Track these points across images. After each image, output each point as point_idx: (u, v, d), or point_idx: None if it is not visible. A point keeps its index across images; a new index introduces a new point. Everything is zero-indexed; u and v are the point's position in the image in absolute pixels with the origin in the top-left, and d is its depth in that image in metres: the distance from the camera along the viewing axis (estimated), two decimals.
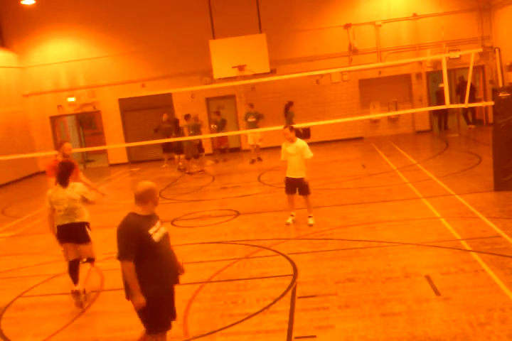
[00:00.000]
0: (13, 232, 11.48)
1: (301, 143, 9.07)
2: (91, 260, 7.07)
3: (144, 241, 4.34)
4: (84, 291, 6.78)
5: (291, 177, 9.16)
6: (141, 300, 4.40)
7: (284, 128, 9.14)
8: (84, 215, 6.95)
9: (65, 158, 8.30)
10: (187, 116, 16.95)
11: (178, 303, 6.41)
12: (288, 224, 9.36)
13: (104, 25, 20.53)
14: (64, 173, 6.82)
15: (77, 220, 6.84)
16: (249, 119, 17.15)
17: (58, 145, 8.77)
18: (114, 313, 6.37)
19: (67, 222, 6.81)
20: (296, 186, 9.16)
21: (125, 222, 4.39)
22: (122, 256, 4.32)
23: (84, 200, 6.89)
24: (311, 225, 9.09)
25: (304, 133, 17.76)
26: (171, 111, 20.48)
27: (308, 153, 9.04)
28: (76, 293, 6.57)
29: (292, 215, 9.50)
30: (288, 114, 17.70)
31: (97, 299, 6.93)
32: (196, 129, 16.71)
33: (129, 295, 4.53)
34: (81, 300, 6.62)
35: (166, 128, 17.76)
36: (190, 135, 16.48)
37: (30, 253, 9.58)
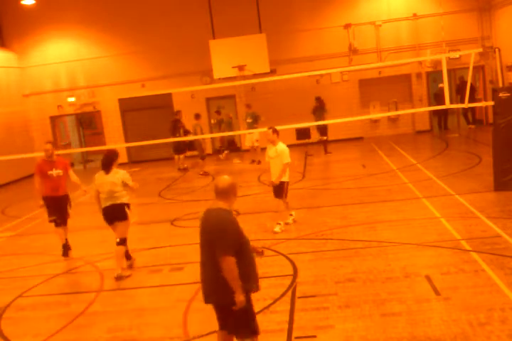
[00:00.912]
0: (13, 232, 11.47)
1: (281, 146, 8.91)
2: (123, 241, 7.70)
3: (241, 236, 4.35)
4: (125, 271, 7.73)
5: (273, 180, 9.11)
6: (242, 297, 4.25)
7: (268, 129, 9.01)
8: (124, 197, 7.76)
9: (50, 159, 8.94)
10: (197, 116, 16.76)
11: (178, 303, 6.45)
12: (288, 223, 9.34)
13: (104, 25, 20.53)
14: (107, 161, 7.71)
15: (118, 202, 7.66)
16: (247, 120, 17.11)
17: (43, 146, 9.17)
18: (114, 313, 6.38)
19: (109, 203, 7.63)
20: (277, 190, 9.06)
21: (226, 218, 4.32)
22: (226, 251, 4.18)
23: (125, 185, 7.74)
24: (276, 233, 8.92)
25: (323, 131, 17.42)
26: (171, 111, 20.47)
27: (286, 158, 8.85)
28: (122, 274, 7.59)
29: (291, 215, 9.49)
30: (318, 110, 17.26)
31: (97, 299, 6.93)
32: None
33: (219, 295, 4.34)
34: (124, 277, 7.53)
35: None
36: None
37: (30, 253, 9.57)
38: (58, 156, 9.27)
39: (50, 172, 8.91)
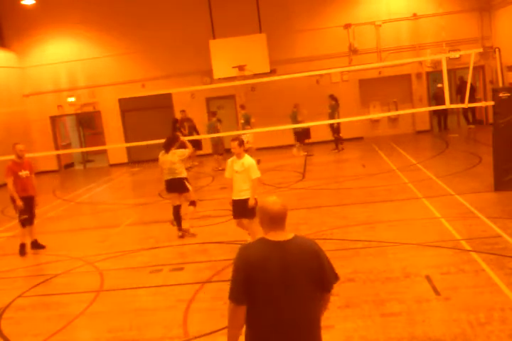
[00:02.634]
0: (13, 232, 11.46)
1: (248, 160, 7.82)
2: (193, 203, 9.56)
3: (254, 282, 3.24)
4: (188, 230, 9.40)
5: (236, 198, 7.87)
6: None
7: (232, 141, 7.85)
8: (183, 173, 9.39)
9: (20, 160, 9.19)
10: (213, 113, 17.09)
11: (178, 303, 6.44)
12: None
13: (104, 25, 20.52)
14: (167, 143, 9.40)
15: (177, 176, 9.30)
16: (241, 121, 17.04)
17: (12, 147, 9.32)
18: (114, 313, 6.37)
19: (169, 177, 9.31)
20: (242, 208, 7.77)
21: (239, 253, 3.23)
22: (229, 294, 3.35)
23: (183, 161, 9.45)
24: None
25: (305, 134, 17.62)
26: (171, 111, 20.49)
27: (256, 172, 7.75)
28: (184, 231, 9.38)
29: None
30: (333, 107, 17.39)
31: (97, 299, 6.93)
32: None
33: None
34: (188, 233, 9.29)
35: (189, 126, 17.68)
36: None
37: (30, 253, 9.57)
38: (26, 158, 9.51)
39: (20, 173, 9.15)
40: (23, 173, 9.17)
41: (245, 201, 7.72)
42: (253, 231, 7.77)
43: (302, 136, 17.53)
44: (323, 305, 3.27)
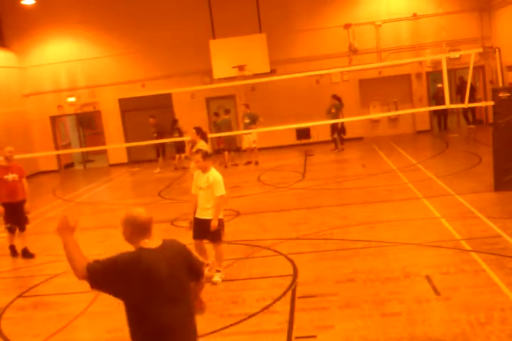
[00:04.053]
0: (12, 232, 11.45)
1: (214, 175, 6.93)
2: None
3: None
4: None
5: (199, 217, 7.01)
6: None
7: (195, 153, 7.15)
8: None
9: (8, 162, 8.72)
10: (227, 111, 17.84)
11: None
12: (215, 283, 6.94)
13: (104, 25, 20.52)
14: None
15: None
16: (244, 121, 17.02)
17: (0, 149, 8.92)
18: (114, 313, 6.36)
19: None
20: (203, 229, 6.93)
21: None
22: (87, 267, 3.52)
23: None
24: (214, 283, 6.88)
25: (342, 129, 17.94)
26: (171, 111, 20.49)
27: (220, 190, 6.87)
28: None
29: (219, 271, 7.13)
30: (337, 107, 17.46)
31: (97, 299, 6.93)
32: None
33: None
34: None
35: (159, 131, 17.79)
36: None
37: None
38: (15, 161, 9.02)
39: (6, 177, 8.69)
40: (10, 177, 8.68)
41: (208, 221, 6.89)
42: (219, 257, 7.11)
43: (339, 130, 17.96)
44: (198, 291, 3.74)
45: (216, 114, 18.71)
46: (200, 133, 10.10)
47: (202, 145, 9.72)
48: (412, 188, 11.05)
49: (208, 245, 7.29)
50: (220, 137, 17.67)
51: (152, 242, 3.36)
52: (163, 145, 17.95)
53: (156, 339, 3.28)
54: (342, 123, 17.45)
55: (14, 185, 8.74)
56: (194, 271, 3.56)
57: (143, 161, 20.81)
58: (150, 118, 18.25)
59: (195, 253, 3.72)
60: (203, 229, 6.94)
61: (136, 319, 3.29)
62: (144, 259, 3.27)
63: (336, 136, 17.92)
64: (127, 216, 3.39)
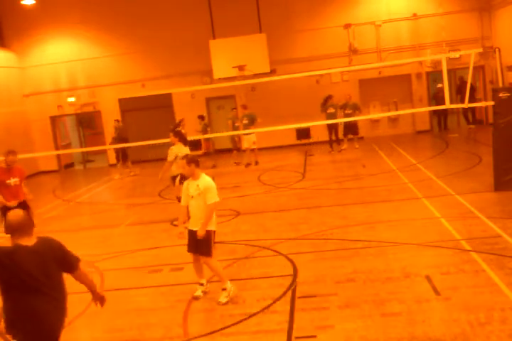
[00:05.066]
0: None
1: (204, 181, 6.34)
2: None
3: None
4: None
5: (192, 229, 6.41)
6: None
7: (182, 159, 6.77)
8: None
9: (8, 166, 8.64)
10: (239, 107, 18.07)
11: (178, 303, 6.44)
12: (196, 298, 6.49)
13: (104, 25, 20.52)
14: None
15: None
16: (243, 121, 16.95)
17: (3, 154, 8.81)
18: (114, 313, 6.37)
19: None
20: (195, 241, 6.38)
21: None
22: None
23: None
24: (220, 303, 6.25)
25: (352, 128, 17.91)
26: (171, 111, 20.48)
27: (212, 197, 6.28)
28: None
29: (202, 284, 6.62)
30: (333, 107, 17.54)
31: None
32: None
33: None
34: None
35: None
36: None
37: None
38: (16, 164, 8.85)
39: (8, 181, 8.60)
40: (12, 181, 8.57)
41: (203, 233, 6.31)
42: (217, 272, 6.49)
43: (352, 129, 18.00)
44: (85, 279, 4.39)
45: (201, 117, 17.76)
46: (179, 135, 10.06)
47: (179, 148, 9.80)
48: (412, 188, 11.05)
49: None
50: (207, 139, 17.56)
51: (28, 240, 3.94)
52: (123, 149, 17.56)
53: (16, 324, 3.86)
54: (355, 122, 17.54)
55: (16, 188, 8.72)
56: (66, 263, 4.13)
57: (143, 161, 20.79)
58: (114, 121, 18.37)
59: (68, 249, 4.20)
60: (194, 241, 6.38)
61: (3, 305, 3.89)
62: (16, 254, 3.84)
63: (355, 134, 18.11)
64: (6, 219, 4.01)
